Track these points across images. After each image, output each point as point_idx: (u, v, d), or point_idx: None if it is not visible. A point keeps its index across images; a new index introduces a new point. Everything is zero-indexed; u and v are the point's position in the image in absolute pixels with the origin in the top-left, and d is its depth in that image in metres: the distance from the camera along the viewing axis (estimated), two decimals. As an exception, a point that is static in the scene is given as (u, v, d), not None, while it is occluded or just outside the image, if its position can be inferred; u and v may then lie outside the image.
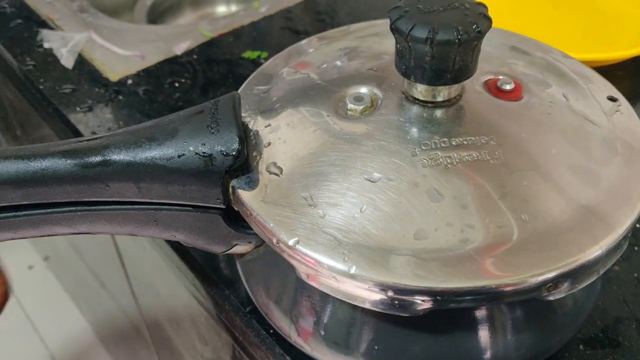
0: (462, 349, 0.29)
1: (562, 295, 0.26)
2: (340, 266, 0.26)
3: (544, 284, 0.25)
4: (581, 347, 0.34)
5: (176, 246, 0.42)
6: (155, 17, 0.82)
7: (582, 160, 0.29)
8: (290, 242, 0.27)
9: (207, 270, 0.40)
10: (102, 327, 1.12)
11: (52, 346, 1.21)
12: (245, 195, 0.29)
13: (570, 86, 0.33)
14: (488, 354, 0.30)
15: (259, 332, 0.36)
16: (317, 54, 0.36)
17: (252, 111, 0.33)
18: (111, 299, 0.91)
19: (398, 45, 0.28)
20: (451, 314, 0.29)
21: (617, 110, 0.32)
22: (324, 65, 0.34)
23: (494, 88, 0.31)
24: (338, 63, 0.34)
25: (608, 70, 0.38)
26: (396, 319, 0.28)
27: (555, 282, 0.26)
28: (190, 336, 0.60)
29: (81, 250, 0.91)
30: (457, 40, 0.26)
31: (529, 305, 0.30)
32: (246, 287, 0.36)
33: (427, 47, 0.27)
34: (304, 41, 0.38)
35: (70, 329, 1.22)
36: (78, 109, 0.52)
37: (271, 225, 0.27)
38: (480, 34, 0.27)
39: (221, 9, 0.88)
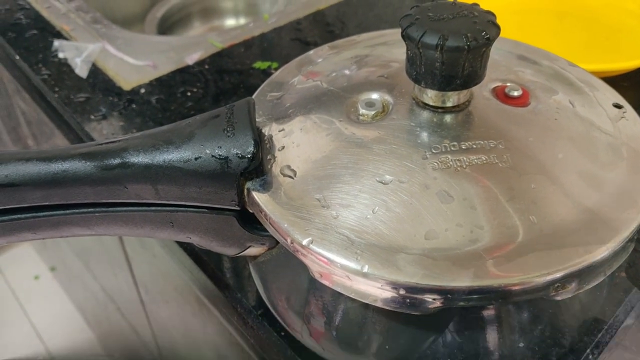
0: (470, 349, 0.30)
1: (570, 295, 0.27)
2: (353, 265, 0.26)
3: (551, 283, 0.26)
4: (588, 350, 0.35)
5: (189, 250, 0.43)
6: (165, 29, 0.83)
7: (588, 165, 0.29)
8: (304, 242, 0.27)
9: (219, 273, 0.40)
10: (109, 338, 1.12)
11: (58, 356, 1.21)
12: (259, 197, 0.30)
13: (576, 93, 0.33)
14: (496, 354, 0.30)
15: (271, 335, 0.37)
16: (327, 62, 0.37)
17: (266, 117, 0.34)
18: (117, 310, 0.91)
19: (409, 52, 0.29)
20: (461, 313, 0.29)
21: (622, 117, 0.32)
22: (334, 73, 0.35)
23: (502, 94, 0.32)
24: (348, 71, 0.35)
25: (613, 81, 0.39)
26: (407, 318, 0.29)
27: (562, 282, 0.26)
28: (198, 344, 0.60)
29: (88, 260, 0.92)
30: (466, 47, 0.27)
31: (536, 306, 0.30)
32: (259, 288, 0.36)
33: (437, 54, 0.28)
34: (313, 50, 0.39)
35: (76, 340, 1.23)
36: (92, 117, 0.53)
37: (285, 225, 0.28)
38: (489, 41, 0.28)
39: (230, 22, 0.90)
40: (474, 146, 0.29)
